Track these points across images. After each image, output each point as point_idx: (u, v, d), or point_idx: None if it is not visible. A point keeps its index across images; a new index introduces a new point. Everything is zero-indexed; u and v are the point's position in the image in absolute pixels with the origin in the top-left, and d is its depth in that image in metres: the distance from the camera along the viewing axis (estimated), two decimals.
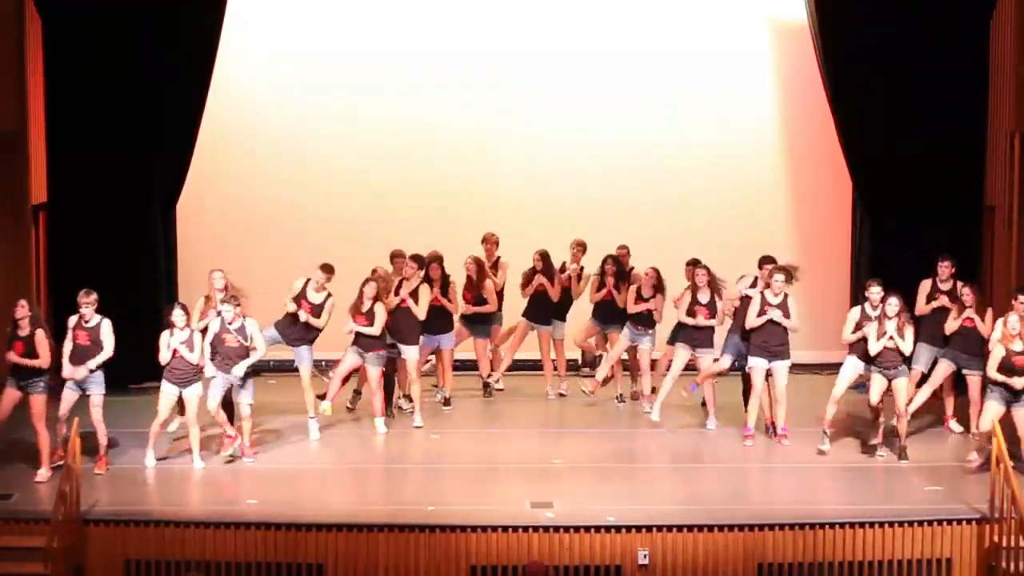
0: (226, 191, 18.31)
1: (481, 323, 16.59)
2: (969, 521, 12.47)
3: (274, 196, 18.40)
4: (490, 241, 16.75)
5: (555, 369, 16.90)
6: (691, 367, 15.62)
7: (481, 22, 18.38)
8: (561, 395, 16.75)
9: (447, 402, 16.38)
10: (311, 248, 18.10)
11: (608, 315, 16.38)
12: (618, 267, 16.30)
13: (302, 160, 18.40)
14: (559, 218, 18.00)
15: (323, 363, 15.85)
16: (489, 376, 16.81)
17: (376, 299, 15.00)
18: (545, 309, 16.65)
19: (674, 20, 18.38)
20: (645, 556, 12.24)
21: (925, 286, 15.23)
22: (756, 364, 14.67)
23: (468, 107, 18.35)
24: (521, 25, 18.36)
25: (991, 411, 13.51)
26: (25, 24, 16.81)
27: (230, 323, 14.01)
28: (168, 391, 13.90)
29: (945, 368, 14.75)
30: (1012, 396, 13.48)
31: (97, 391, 13.71)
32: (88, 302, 13.75)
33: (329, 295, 15.03)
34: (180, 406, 14.18)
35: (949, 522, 12.46)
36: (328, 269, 15.07)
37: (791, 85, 18.39)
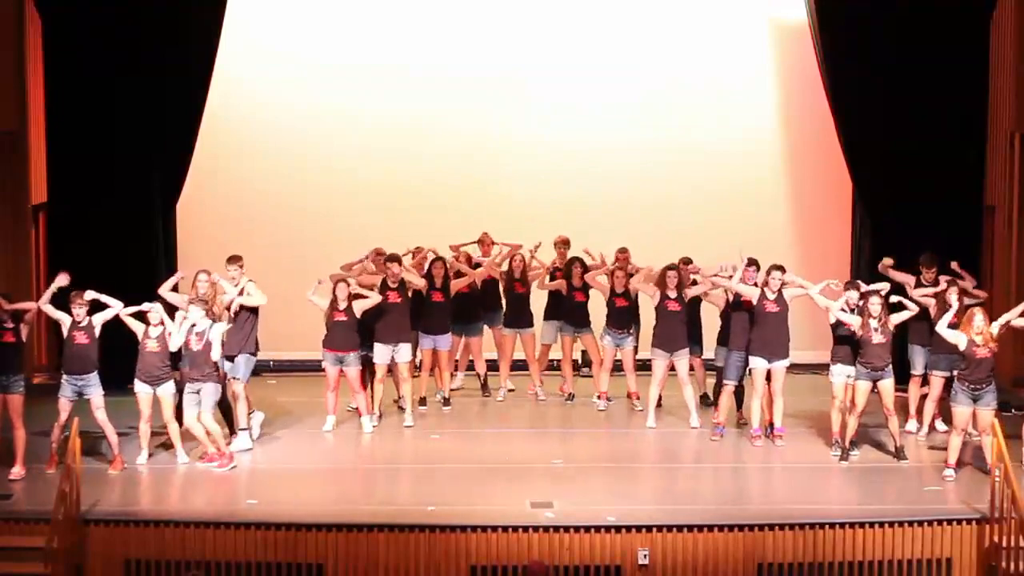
0: (226, 191, 18.33)
1: (475, 322, 16.62)
2: (969, 521, 12.46)
3: (274, 196, 18.42)
4: (486, 243, 16.78)
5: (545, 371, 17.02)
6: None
7: (481, 23, 18.40)
8: (571, 395, 16.76)
9: (447, 402, 16.40)
10: (311, 247, 18.16)
11: (581, 319, 16.46)
12: (584, 269, 16.34)
13: (302, 160, 18.43)
14: (559, 217, 17.97)
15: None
16: (485, 383, 16.88)
17: (351, 297, 15.04)
18: (523, 312, 16.70)
19: (674, 21, 18.40)
20: (645, 556, 12.24)
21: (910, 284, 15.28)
22: (757, 365, 14.66)
23: (468, 107, 18.37)
24: (521, 26, 18.39)
25: (961, 416, 13.54)
26: (25, 24, 16.83)
27: (195, 327, 14.00)
28: (141, 390, 13.96)
29: (940, 381, 14.71)
30: (975, 396, 13.50)
31: (97, 393, 13.75)
32: (81, 302, 13.76)
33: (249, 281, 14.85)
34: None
35: (949, 522, 12.45)
36: (235, 259, 14.88)
37: (791, 85, 18.40)
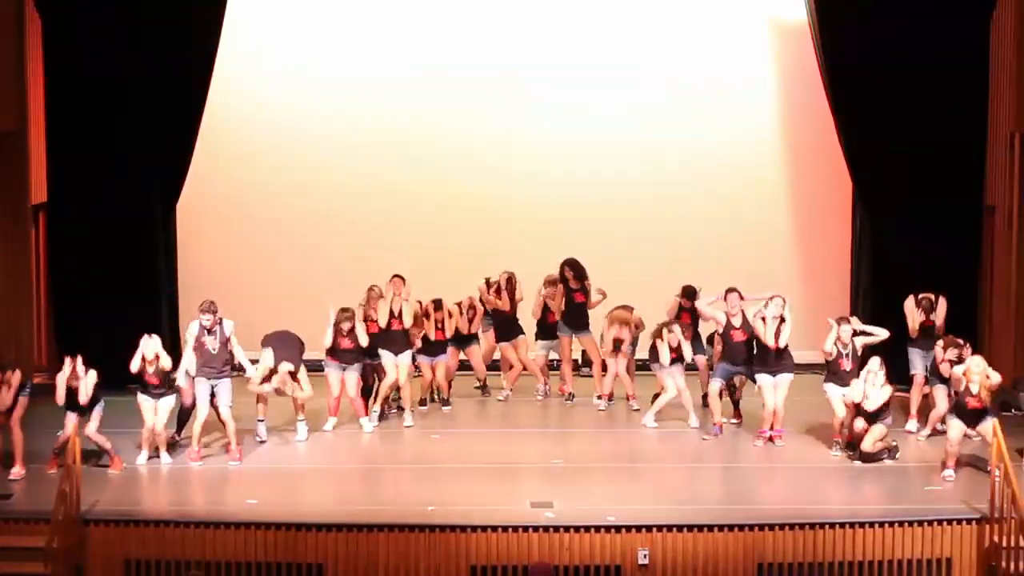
0: (226, 191, 18.31)
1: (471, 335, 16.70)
2: (969, 521, 12.47)
3: (274, 196, 18.39)
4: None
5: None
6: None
7: (481, 23, 18.37)
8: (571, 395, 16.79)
9: (446, 402, 16.41)
10: (311, 248, 18.17)
11: (577, 319, 16.46)
12: (575, 271, 16.33)
13: (302, 160, 18.39)
14: (559, 217, 18.06)
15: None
16: (485, 383, 16.95)
17: (353, 325, 15.12)
18: (512, 327, 16.72)
19: (674, 21, 18.36)
20: (645, 556, 12.24)
21: (911, 307, 15.21)
22: (764, 382, 14.75)
23: (468, 107, 18.33)
24: (521, 26, 18.34)
25: (957, 427, 13.53)
26: (25, 24, 16.80)
27: (208, 328, 14.08)
28: (144, 399, 14.03)
29: (942, 390, 14.70)
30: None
31: (96, 416, 13.76)
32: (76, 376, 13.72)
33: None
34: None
35: (949, 522, 12.46)
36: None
37: (791, 85, 18.39)
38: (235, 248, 18.24)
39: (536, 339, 16.89)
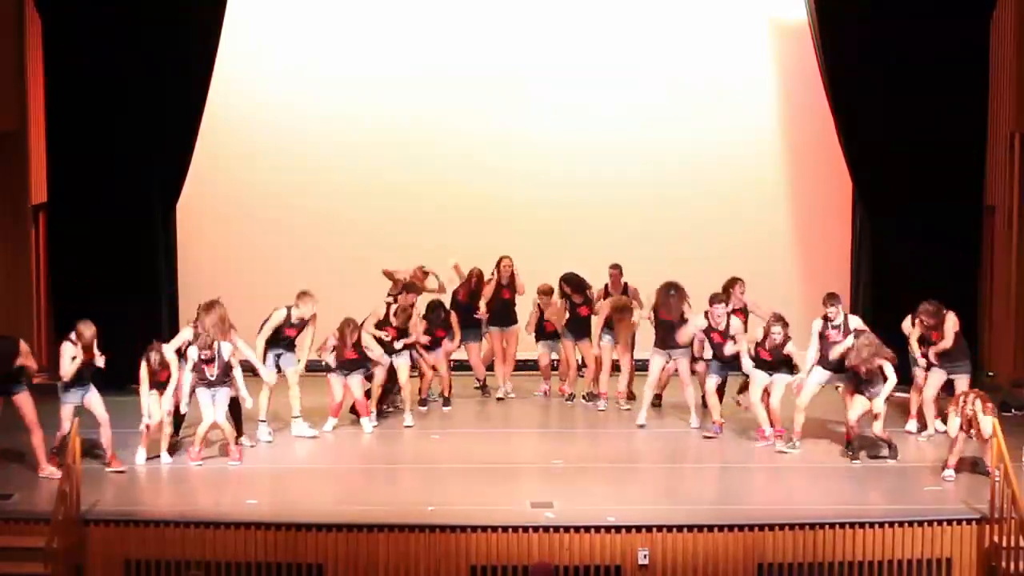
0: (226, 191, 18.31)
1: (473, 327, 16.69)
2: (969, 521, 12.46)
3: (274, 196, 18.39)
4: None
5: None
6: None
7: (481, 23, 18.37)
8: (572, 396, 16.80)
9: (447, 402, 16.41)
10: (311, 248, 18.17)
11: (580, 329, 16.47)
12: (572, 284, 16.32)
13: (302, 160, 18.39)
14: (559, 217, 18.07)
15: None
16: (485, 383, 16.98)
17: (358, 343, 15.19)
18: (508, 313, 16.76)
19: (674, 21, 18.36)
20: (645, 556, 12.24)
21: (908, 329, 15.17)
22: (759, 378, 14.73)
23: (468, 107, 18.33)
24: (521, 26, 18.34)
25: (955, 423, 13.54)
26: (25, 24, 16.81)
27: (204, 358, 14.12)
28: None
29: (939, 377, 14.70)
30: None
31: (96, 394, 13.76)
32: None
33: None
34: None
35: (949, 522, 12.45)
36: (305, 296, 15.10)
37: (791, 85, 18.39)
38: (235, 248, 18.24)
39: (536, 340, 16.89)
